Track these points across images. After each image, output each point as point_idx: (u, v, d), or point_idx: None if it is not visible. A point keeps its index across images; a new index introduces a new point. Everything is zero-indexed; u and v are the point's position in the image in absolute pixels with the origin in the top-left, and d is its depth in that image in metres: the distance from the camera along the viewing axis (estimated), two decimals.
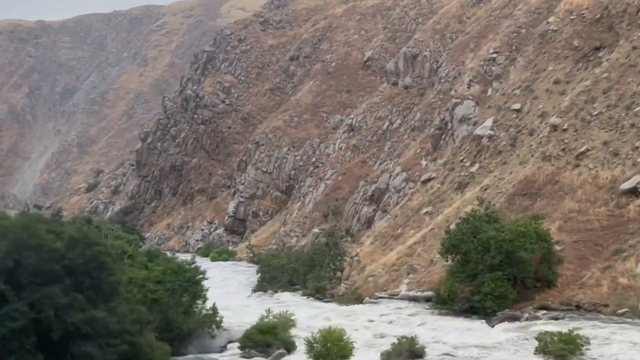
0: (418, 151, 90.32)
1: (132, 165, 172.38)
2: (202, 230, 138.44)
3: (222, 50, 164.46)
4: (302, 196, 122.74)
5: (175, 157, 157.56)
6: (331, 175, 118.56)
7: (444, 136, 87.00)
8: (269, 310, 50.65)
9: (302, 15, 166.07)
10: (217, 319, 44.57)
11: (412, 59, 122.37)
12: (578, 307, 52.34)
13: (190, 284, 41.01)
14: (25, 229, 28.56)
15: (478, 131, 77.46)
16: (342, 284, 72.62)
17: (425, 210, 77.44)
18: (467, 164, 77.72)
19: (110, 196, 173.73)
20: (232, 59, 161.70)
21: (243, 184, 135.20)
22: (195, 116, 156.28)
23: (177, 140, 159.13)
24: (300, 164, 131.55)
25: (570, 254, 56.45)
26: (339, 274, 74.82)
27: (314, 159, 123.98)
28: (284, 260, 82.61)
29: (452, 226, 59.16)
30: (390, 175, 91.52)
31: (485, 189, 69.34)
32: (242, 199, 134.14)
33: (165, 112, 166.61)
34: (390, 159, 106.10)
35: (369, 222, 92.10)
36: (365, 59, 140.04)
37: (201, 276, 42.81)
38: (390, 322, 55.14)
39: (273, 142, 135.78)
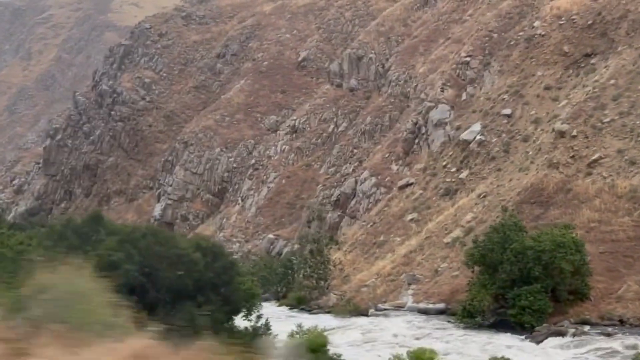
0: (387, 155, 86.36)
1: (38, 163, 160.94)
2: None
3: (141, 44, 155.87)
4: (239, 199, 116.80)
5: (89, 156, 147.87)
6: (274, 178, 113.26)
7: (417, 140, 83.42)
8: (300, 326, 45.32)
9: (227, 12, 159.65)
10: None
11: (357, 60, 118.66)
12: (622, 322, 50.03)
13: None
14: (156, 237, 22.41)
15: (464, 136, 74.33)
16: (331, 294, 67.85)
17: (410, 217, 73.67)
18: (453, 169, 74.49)
19: (13, 196, 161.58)
20: (153, 54, 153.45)
21: (171, 185, 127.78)
22: (112, 113, 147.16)
23: (91, 137, 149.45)
24: (234, 165, 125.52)
25: (599, 266, 54.10)
26: (321, 283, 70.06)
27: (252, 161, 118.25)
28: (245, 267, 77.01)
29: (479, 236, 55.49)
30: (357, 180, 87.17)
31: (484, 196, 66.18)
32: (169, 202, 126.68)
33: (77, 107, 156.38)
34: (349, 163, 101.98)
35: (333, 228, 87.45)
36: (300, 59, 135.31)
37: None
38: (418, 339, 51.01)
39: (204, 142, 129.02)
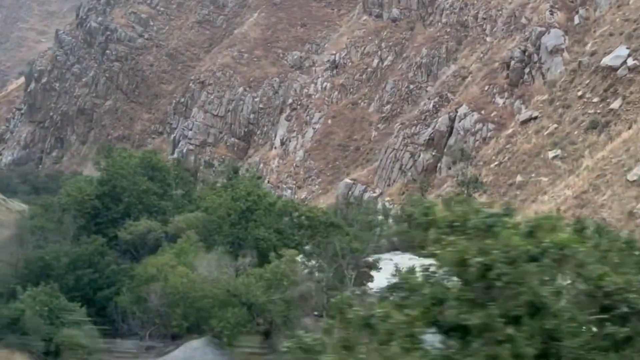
0: (486, 88, 77.95)
1: (19, 109, 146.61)
2: None
3: None
4: (276, 143, 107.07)
5: (82, 100, 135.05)
6: (319, 118, 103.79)
7: (527, 70, 75.26)
8: None
9: None
10: None
11: None
12: None
13: None
14: None
15: (608, 61, 66.38)
16: None
17: (552, 154, 65.77)
18: (595, 100, 66.67)
19: None
20: None
21: (191, 129, 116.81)
22: (107, 52, 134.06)
23: (83, 79, 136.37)
24: (261, 106, 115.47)
25: None
26: None
27: (290, 100, 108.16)
28: None
29: None
30: (450, 117, 78.66)
31: None
32: (190, 147, 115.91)
33: (62, 47, 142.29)
34: (412, 99, 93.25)
35: (427, 170, 79.08)
36: None
37: None
38: None
39: (223, 82, 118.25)
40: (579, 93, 68.74)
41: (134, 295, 35.72)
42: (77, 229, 43.86)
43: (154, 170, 46.70)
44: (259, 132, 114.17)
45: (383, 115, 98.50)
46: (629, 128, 62.74)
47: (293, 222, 42.90)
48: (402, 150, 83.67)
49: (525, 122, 71.60)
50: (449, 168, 70.73)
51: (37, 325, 32.47)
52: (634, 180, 57.32)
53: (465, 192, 62.19)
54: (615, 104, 65.18)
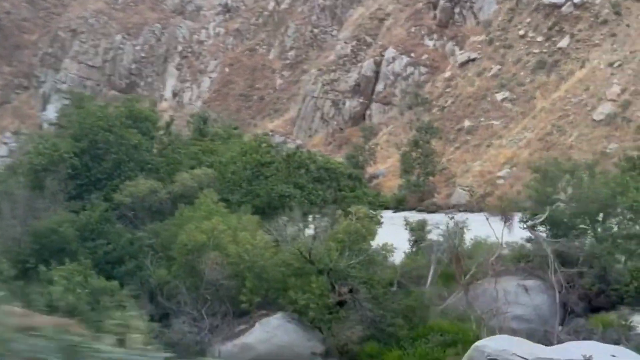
0: (412, 30, 75.40)
1: None
2: (7, 144, 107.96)
3: None
4: (167, 94, 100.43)
5: None
6: (215, 67, 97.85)
7: (458, 9, 73.36)
8: None
9: None
10: None
11: None
12: None
13: None
14: None
15: None
16: (458, 190, 57.92)
17: (500, 96, 64.46)
18: (539, 39, 65.79)
19: None
20: None
21: (64, 82, 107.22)
22: None
23: None
24: (143, 55, 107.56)
25: None
26: (429, 179, 59.85)
27: (180, 48, 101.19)
28: None
29: None
30: (376, 61, 75.66)
31: (620, 65, 58.54)
32: (66, 102, 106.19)
33: None
34: (311, 46, 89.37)
35: (354, 118, 75.90)
36: None
37: None
38: None
39: (97, 30, 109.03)
40: (521, 32, 67.55)
41: (178, 268, 30.32)
42: (52, 194, 37.35)
43: (135, 122, 40.52)
44: (142, 84, 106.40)
45: (287, 62, 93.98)
46: (582, 67, 62.20)
47: (310, 176, 38.50)
48: (322, 98, 79.86)
49: (464, 65, 69.73)
50: (402, 114, 67.70)
51: (83, 312, 26.67)
52: (601, 120, 56.82)
53: (423, 139, 59.64)
54: (563, 43, 64.50)
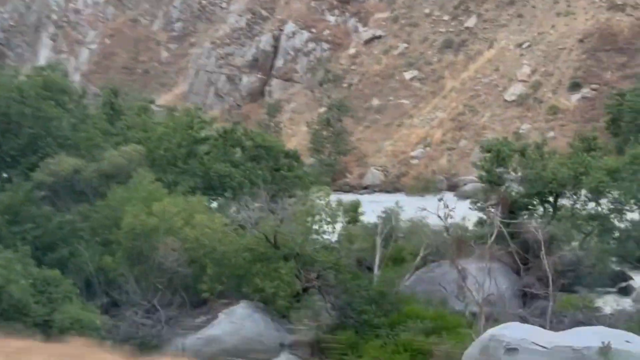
0: (313, 5, 73.76)
1: None
2: None
3: None
4: (32, 65, 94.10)
5: None
6: (94, 37, 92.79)
7: None
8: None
9: None
10: None
11: None
12: None
13: None
14: None
15: None
16: (372, 170, 56.88)
17: (409, 75, 63.90)
18: (445, 17, 65.58)
19: None
20: None
21: None
22: None
23: None
24: (12, 23, 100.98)
25: None
26: (341, 158, 58.66)
27: (54, 17, 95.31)
28: None
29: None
30: (275, 35, 73.51)
31: (529, 45, 58.98)
32: None
33: None
34: (200, 18, 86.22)
35: (253, 94, 73.54)
36: None
37: None
38: None
39: None
40: (426, 11, 67.14)
41: (123, 254, 27.36)
42: None
43: (49, 92, 36.66)
44: (12, 54, 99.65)
45: (174, 34, 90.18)
46: (490, 47, 62.38)
47: (247, 154, 36.13)
48: (216, 72, 76.89)
49: (368, 42, 68.66)
50: (312, 91, 65.75)
51: (27, 304, 23.40)
52: (513, 100, 57.17)
53: (334, 117, 58.23)
54: (470, 22, 64.54)
